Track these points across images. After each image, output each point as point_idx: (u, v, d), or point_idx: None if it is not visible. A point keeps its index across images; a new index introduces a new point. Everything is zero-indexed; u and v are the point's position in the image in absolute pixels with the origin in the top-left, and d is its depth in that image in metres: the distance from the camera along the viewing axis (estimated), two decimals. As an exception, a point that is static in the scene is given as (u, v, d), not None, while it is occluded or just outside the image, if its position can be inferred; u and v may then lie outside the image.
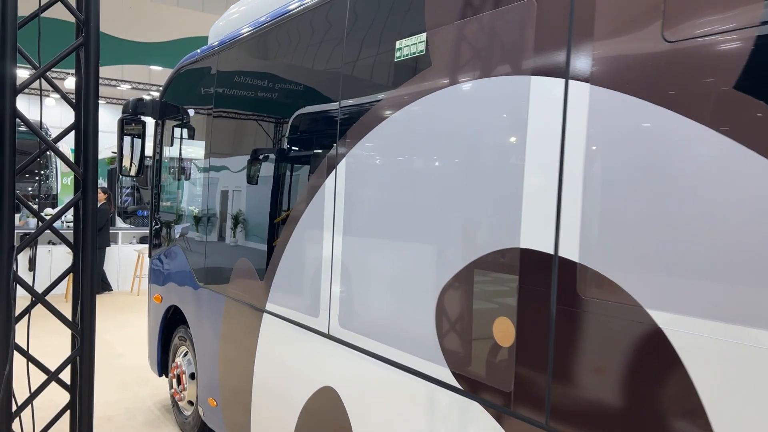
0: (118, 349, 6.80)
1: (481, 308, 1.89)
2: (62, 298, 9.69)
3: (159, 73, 24.31)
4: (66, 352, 2.93)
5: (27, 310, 2.12)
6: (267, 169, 3.28)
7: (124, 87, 25.68)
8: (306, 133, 2.94)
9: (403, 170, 2.25)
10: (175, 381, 4.53)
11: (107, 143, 22.50)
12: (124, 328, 7.89)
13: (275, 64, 3.20)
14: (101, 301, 9.69)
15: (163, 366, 4.88)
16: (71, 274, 2.36)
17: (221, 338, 3.67)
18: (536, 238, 1.68)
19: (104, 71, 23.49)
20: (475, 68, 1.95)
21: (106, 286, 10.38)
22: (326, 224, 2.65)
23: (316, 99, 2.85)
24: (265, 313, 3.17)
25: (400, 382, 2.19)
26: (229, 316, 3.57)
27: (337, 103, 2.63)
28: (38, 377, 2.54)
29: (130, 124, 4.62)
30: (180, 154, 4.55)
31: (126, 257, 10.79)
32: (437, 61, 2.10)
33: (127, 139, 4.67)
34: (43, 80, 2.23)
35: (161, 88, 4.83)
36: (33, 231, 9.64)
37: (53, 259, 10.14)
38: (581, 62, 1.58)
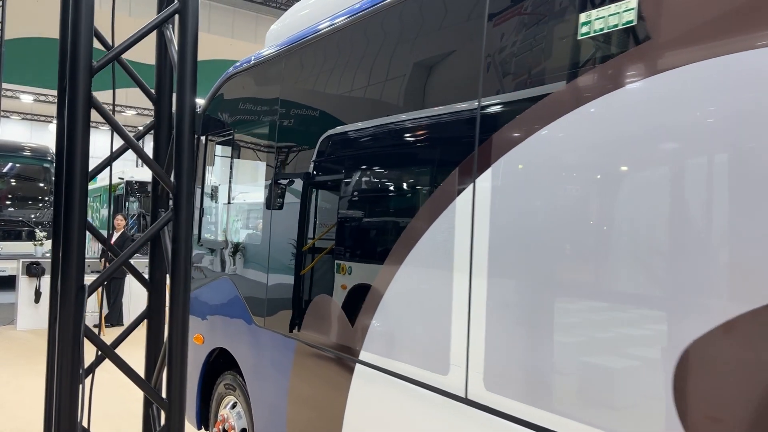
0: (138, 392, 6.13)
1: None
2: (70, 332, 9.02)
3: (164, 99, 23.93)
4: (130, 410, 2.31)
5: (92, 367, 1.54)
6: (359, 186, 2.71)
7: (129, 113, 25.30)
8: (419, 142, 2.38)
9: (601, 181, 1.68)
10: (219, 436, 3.88)
11: (115, 168, 21.97)
12: (140, 366, 7.22)
13: (375, 60, 2.65)
14: (112, 335, 9.02)
15: (202, 417, 4.23)
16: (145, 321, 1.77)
17: (290, 391, 3.05)
18: None
19: (107, 96, 23.14)
20: (728, 35, 1.41)
21: (120, 320, 9.71)
22: (461, 253, 2.07)
23: (434, 97, 2.30)
24: (358, 365, 2.56)
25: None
26: (302, 365, 2.96)
27: (475, 101, 2.08)
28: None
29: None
30: (231, 173, 3.97)
31: (138, 289, 10.12)
32: (661, 32, 1.55)
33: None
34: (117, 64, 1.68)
35: (204, 101, 4.28)
36: (39, 259, 9.00)
37: (61, 290, 9.49)
38: None
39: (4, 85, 10.57)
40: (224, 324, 3.81)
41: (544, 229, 1.83)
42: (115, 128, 1.52)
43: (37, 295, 9.22)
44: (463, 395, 2.05)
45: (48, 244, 10.17)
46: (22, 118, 25.89)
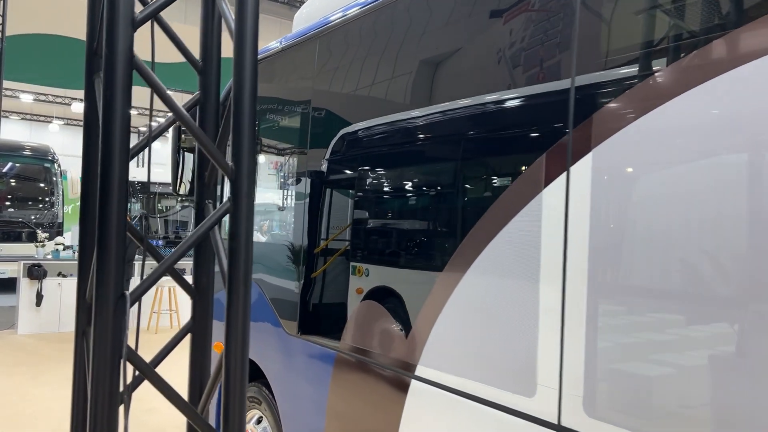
0: (147, 402, 5.81)
1: None
2: (72, 336, 8.71)
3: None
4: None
5: (131, 387, 1.24)
6: (418, 176, 2.41)
7: (132, 113, 24.96)
8: (501, 128, 2.07)
9: (727, 172, 1.38)
10: (241, 454, 3.57)
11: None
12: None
13: (440, 34, 2.34)
14: (117, 340, 8.69)
15: None
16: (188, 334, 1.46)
17: (329, 408, 2.74)
18: None
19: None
20: None
21: (120, 323, 9.38)
22: (554, 251, 1.77)
23: (520, 75, 2.00)
24: (413, 381, 2.26)
25: None
26: (343, 379, 2.65)
27: (568, 78, 1.78)
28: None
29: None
30: (260, 165, 3.67)
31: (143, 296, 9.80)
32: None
33: (182, 151, 3.82)
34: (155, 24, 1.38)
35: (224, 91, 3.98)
36: (41, 261, 8.69)
37: (63, 294, 9.17)
38: None
39: (4, 84, 10.26)
40: (262, 331, 3.50)
41: (659, 222, 1.54)
42: (162, 96, 1.22)
43: (39, 298, 8.91)
44: (554, 421, 1.74)
45: (50, 246, 9.86)
46: (22, 118, 25.58)
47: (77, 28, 12.79)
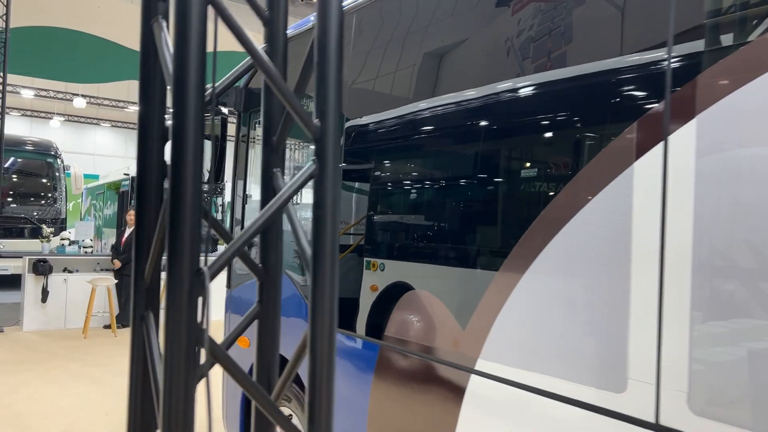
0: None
1: None
2: (79, 332, 8.54)
3: (167, 95, 23.33)
4: None
5: (201, 373, 1.07)
6: (470, 148, 2.23)
7: (132, 109, 24.75)
8: (588, 99, 1.89)
9: None
10: (269, 454, 3.39)
11: (114, 166, 21.43)
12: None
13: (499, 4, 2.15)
14: (124, 337, 8.52)
15: (246, 430, 3.74)
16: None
17: (372, 406, 2.56)
18: None
19: (109, 90, 22.59)
20: None
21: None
22: (641, 235, 1.59)
23: (610, 42, 1.82)
24: (473, 376, 2.08)
25: None
26: (387, 375, 2.47)
27: (665, 38, 1.60)
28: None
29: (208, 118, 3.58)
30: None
31: (149, 287, 9.60)
32: None
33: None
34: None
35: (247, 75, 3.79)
36: (47, 256, 8.51)
37: (69, 290, 8.98)
38: None
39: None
40: (293, 324, 3.31)
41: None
42: (239, 35, 1.05)
43: (45, 294, 8.72)
44: (650, 419, 1.56)
45: (56, 241, 9.68)
46: (22, 115, 25.35)
47: (82, 21, 12.60)
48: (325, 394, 1.11)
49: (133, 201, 14.17)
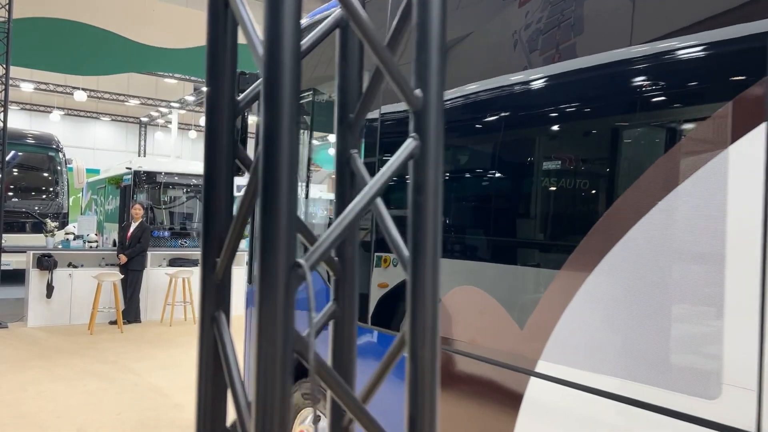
0: (172, 398, 5.50)
1: None
2: (85, 328, 8.40)
3: (166, 88, 23.19)
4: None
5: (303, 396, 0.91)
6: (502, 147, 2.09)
7: (132, 102, 24.53)
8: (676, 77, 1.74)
9: None
10: (296, 456, 3.26)
11: (114, 160, 21.24)
12: (169, 367, 6.58)
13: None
14: (130, 333, 8.37)
15: (269, 432, 3.60)
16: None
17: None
18: None
19: (109, 84, 22.38)
20: None
21: (137, 317, 9.05)
22: (738, 224, 1.45)
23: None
24: (533, 379, 1.94)
25: None
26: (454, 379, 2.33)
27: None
28: None
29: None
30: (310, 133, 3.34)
31: (155, 282, 9.47)
32: None
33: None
34: None
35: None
36: (51, 251, 8.35)
37: (74, 285, 8.83)
38: None
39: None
40: (303, 320, 3.17)
41: None
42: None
43: (49, 289, 8.56)
44: (751, 429, 1.42)
45: (60, 235, 9.52)
46: (21, 108, 25.13)
47: (84, 12, 12.39)
48: (428, 408, 0.97)
49: (136, 195, 14.00)
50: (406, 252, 1.00)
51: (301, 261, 0.87)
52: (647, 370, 1.63)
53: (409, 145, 0.98)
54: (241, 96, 1.02)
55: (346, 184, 1.09)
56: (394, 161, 0.99)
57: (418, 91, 0.98)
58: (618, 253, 1.71)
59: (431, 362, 0.98)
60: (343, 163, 1.20)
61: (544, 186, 2.02)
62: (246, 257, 11.23)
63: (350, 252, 1.19)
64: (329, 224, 0.98)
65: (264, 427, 0.84)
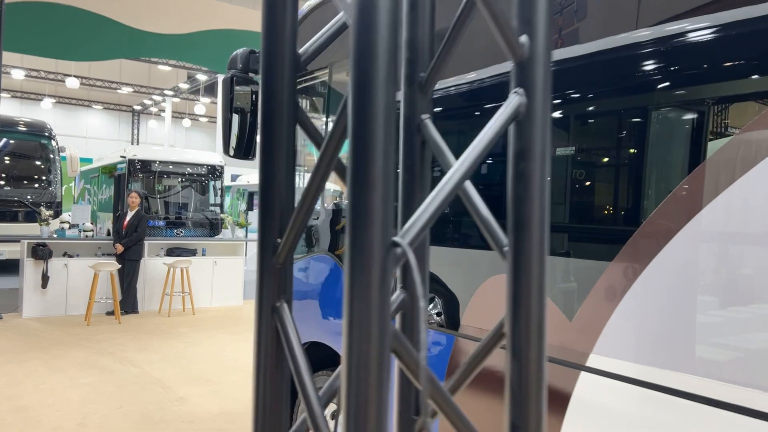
0: (175, 391, 5.36)
1: None
2: (81, 319, 8.23)
3: (160, 75, 22.86)
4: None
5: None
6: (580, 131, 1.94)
7: (125, 90, 24.18)
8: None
9: None
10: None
11: (107, 148, 20.95)
12: (170, 359, 6.43)
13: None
14: (128, 324, 8.21)
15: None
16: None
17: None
18: None
19: (102, 71, 22.02)
20: None
21: (135, 307, 8.88)
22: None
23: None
24: (584, 373, 1.81)
25: None
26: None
27: None
28: None
29: (242, 84, 3.27)
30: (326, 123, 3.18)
31: (153, 272, 9.30)
32: None
33: (236, 106, 3.32)
34: None
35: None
36: (47, 240, 8.16)
37: (69, 275, 8.64)
38: None
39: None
40: (322, 312, 3.03)
41: None
42: None
43: (45, 279, 8.37)
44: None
45: (55, 224, 9.31)
46: (12, 96, 24.73)
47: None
48: (535, 416, 0.82)
49: (130, 184, 13.75)
50: (503, 237, 0.85)
51: (398, 239, 0.72)
52: (715, 361, 1.50)
53: (511, 101, 0.83)
54: (303, 48, 0.86)
55: (415, 156, 0.94)
56: (494, 122, 0.84)
57: (524, 37, 0.83)
58: (701, 241, 1.58)
59: (537, 365, 0.83)
60: (413, 130, 1.04)
61: (593, 173, 1.89)
62: (245, 246, 10.93)
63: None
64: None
65: (357, 419, 0.70)
